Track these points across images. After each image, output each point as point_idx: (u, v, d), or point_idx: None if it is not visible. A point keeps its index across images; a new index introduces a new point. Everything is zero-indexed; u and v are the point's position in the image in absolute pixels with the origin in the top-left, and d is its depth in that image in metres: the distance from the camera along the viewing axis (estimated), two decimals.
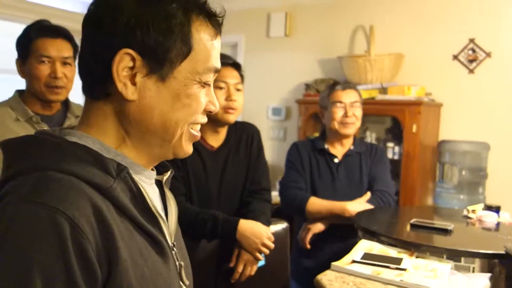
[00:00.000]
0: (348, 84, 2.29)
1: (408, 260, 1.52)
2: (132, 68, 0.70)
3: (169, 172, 0.88)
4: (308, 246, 2.10)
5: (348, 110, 2.15)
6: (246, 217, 1.71)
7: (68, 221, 0.59)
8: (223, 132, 1.82)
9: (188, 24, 0.72)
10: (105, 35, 0.70)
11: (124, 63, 0.70)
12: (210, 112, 0.81)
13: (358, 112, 2.19)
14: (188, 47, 0.73)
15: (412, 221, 1.80)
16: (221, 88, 1.72)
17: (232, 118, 1.74)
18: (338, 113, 2.16)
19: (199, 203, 1.74)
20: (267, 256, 1.73)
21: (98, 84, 0.73)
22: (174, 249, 0.81)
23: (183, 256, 0.86)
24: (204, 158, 1.76)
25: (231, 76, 1.75)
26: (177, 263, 0.81)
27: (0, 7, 3.51)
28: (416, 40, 3.31)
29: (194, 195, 1.74)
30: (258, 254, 1.66)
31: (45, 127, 1.65)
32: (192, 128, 0.79)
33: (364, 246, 1.65)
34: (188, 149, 0.80)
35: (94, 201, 0.64)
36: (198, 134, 0.81)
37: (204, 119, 0.80)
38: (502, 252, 1.40)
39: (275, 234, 1.82)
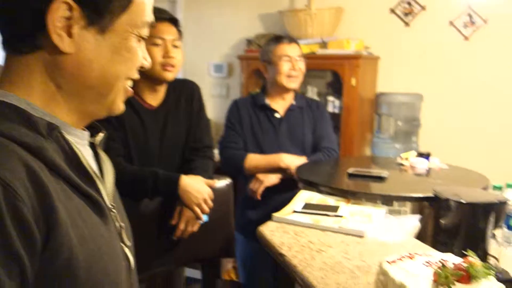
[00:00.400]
0: (292, 38, 2.29)
1: (345, 208, 1.60)
2: (68, 18, 0.67)
3: (101, 134, 0.86)
4: (259, 198, 2.15)
5: (294, 63, 2.17)
6: (188, 174, 1.72)
7: (0, 183, 0.57)
8: (162, 90, 1.78)
9: None
10: None
11: (60, 12, 0.66)
12: (143, 68, 0.80)
13: (302, 65, 2.22)
14: None
15: (349, 170, 1.88)
16: (157, 44, 1.67)
17: (170, 75, 1.70)
18: (285, 66, 2.17)
19: (139, 163, 1.71)
20: (211, 212, 1.75)
21: (25, 36, 0.68)
22: (113, 210, 0.80)
23: (123, 218, 0.85)
24: (143, 117, 1.73)
25: (168, 32, 1.70)
26: (117, 224, 0.80)
27: None
28: None
29: (134, 155, 1.71)
30: (198, 211, 1.68)
31: None
32: (127, 82, 0.78)
33: (304, 196, 1.71)
34: (122, 105, 0.79)
35: (27, 162, 0.61)
36: (131, 90, 0.80)
37: (137, 75, 0.79)
38: (431, 195, 1.49)
39: (218, 190, 1.84)
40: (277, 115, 2.23)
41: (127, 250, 0.82)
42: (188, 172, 1.74)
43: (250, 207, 2.22)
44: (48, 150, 0.65)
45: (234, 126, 2.23)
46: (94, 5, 0.68)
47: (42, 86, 0.70)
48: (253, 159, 2.16)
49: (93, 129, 0.84)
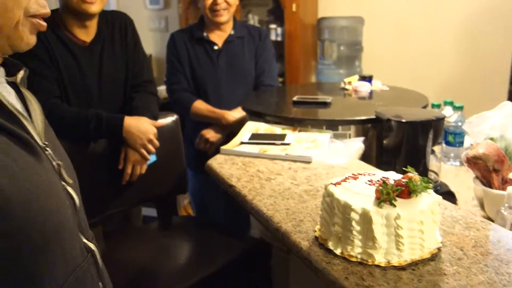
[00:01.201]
0: None
1: (292, 135, 1.61)
2: None
3: (22, 71, 0.80)
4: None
5: None
6: (131, 114, 1.66)
7: None
8: (93, 24, 1.66)
9: None
10: None
11: None
12: None
13: None
14: None
15: (294, 98, 1.88)
16: None
17: (92, 8, 1.56)
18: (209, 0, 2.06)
19: (78, 104, 1.63)
20: (160, 150, 1.72)
21: None
22: (48, 149, 0.77)
23: (61, 156, 0.83)
24: (77, 54, 1.63)
25: None
26: (54, 163, 0.77)
27: None
28: None
29: (71, 95, 1.62)
30: (144, 152, 1.64)
31: None
32: (33, 18, 0.72)
33: (251, 127, 1.71)
34: (31, 39, 0.73)
35: None
36: (44, 24, 0.73)
37: (45, 10, 0.73)
38: (374, 117, 1.52)
39: (165, 127, 1.80)
40: (215, 48, 2.15)
41: (69, 188, 0.80)
42: (130, 111, 1.68)
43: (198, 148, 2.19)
44: None
45: (173, 63, 2.14)
46: None
47: None
48: (199, 108, 2.10)
49: (13, 67, 0.79)
